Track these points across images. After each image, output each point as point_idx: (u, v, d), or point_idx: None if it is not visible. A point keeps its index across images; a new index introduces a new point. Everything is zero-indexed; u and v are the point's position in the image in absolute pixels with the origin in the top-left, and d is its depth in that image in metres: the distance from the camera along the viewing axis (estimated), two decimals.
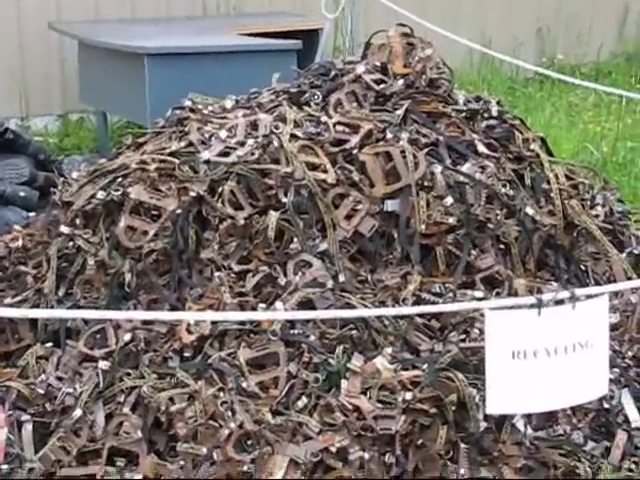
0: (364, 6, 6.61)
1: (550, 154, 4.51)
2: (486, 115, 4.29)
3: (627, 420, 3.65)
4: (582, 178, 4.61)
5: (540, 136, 4.57)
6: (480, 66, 8.53)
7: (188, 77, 5.21)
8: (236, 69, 5.20)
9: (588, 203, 4.48)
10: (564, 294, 3.02)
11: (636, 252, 4.37)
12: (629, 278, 4.12)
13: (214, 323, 3.45)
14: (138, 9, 8.39)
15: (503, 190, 3.94)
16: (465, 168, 3.93)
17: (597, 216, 4.51)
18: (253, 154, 3.74)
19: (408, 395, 3.31)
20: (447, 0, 9.22)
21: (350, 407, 3.27)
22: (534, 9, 9.87)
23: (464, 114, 4.23)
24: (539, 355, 3.05)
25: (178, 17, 8.37)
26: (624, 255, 4.27)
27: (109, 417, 3.36)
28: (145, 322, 3.53)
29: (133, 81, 6.37)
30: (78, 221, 3.91)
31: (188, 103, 4.33)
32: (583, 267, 4.03)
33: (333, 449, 3.19)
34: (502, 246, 3.94)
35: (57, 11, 8.10)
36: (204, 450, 3.14)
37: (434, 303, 3.59)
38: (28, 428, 3.39)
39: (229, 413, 3.21)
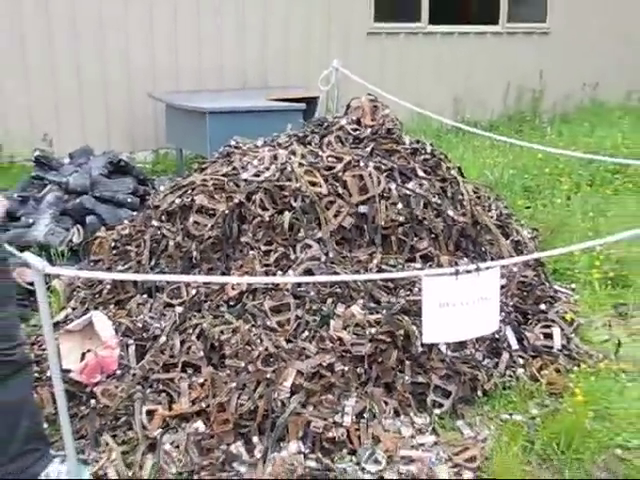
0: (345, 82, 6.44)
1: (463, 177, 4.41)
2: (423, 151, 4.26)
3: (509, 345, 3.71)
4: (483, 192, 4.46)
5: (457, 165, 4.52)
6: (418, 121, 8.36)
7: (233, 126, 5.10)
8: (264, 121, 5.13)
9: (486, 207, 4.34)
10: (472, 267, 2.90)
11: (515, 239, 4.30)
12: (511, 256, 4.01)
13: (249, 284, 3.37)
14: (204, 83, 8.21)
15: (434, 199, 3.93)
16: (410, 185, 3.97)
17: (492, 216, 4.39)
18: (274, 175, 3.78)
19: (373, 330, 3.32)
20: (398, 78, 9.02)
21: (336, 337, 3.29)
22: (452, 86, 9.68)
23: (409, 150, 4.19)
24: (456, 305, 2.97)
25: (228, 88, 8.19)
26: (508, 241, 4.14)
27: (182, 342, 3.36)
28: (205, 282, 3.50)
29: (199, 129, 6.26)
30: (163, 217, 3.91)
31: (233, 142, 4.31)
32: (483, 249, 4.00)
33: (324, 364, 3.19)
34: (433, 235, 3.91)
35: (153, 84, 7.92)
36: (242, 364, 3.14)
37: (389, 271, 3.60)
38: (132, 348, 3.42)
39: (258, 341, 3.23)
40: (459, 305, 2.96)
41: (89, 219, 5.08)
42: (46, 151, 6.25)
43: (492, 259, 4.00)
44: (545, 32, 10.54)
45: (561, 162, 6.83)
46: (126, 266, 3.78)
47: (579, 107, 10.70)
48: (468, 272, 2.92)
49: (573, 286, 4.53)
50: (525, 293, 3.95)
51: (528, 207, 5.86)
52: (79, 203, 5.14)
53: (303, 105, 6.40)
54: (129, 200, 5.43)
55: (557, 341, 3.69)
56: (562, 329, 3.77)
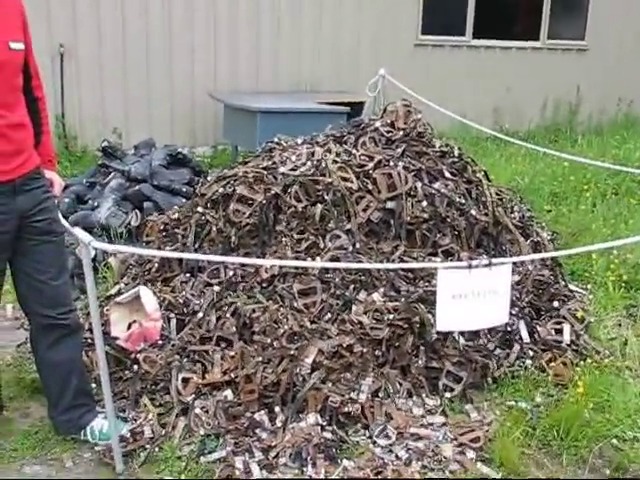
0: (392, 90, 6.44)
1: (489, 180, 4.35)
2: (451, 155, 4.20)
3: (521, 338, 3.69)
4: (505, 195, 4.39)
5: (483, 169, 4.43)
6: (459, 129, 8.28)
7: (281, 125, 5.12)
8: (310, 122, 5.10)
9: (509, 209, 4.27)
10: (485, 261, 2.89)
11: (535, 240, 4.23)
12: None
13: (281, 267, 3.44)
14: (260, 85, 8.29)
15: (457, 199, 3.88)
16: (436, 185, 3.93)
17: (514, 218, 4.33)
18: (310, 170, 3.78)
19: (391, 316, 3.33)
20: (442, 88, 8.93)
21: (356, 321, 3.32)
22: (493, 97, 9.57)
23: (438, 153, 4.14)
24: (469, 297, 2.93)
25: (283, 91, 8.25)
26: (528, 242, 4.09)
27: (218, 319, 3.43)
28: (242, 265, 3.57)
29: (250, 127, 6.35)
30: (208, 205, 3.95)
31: (275, 139, 4.29)
32: (503, 248, 3.96)
33: (344, 345, 3.22)
34: (456, 232, 3.86)
35: (214, 85, 8.01)
36: (268, 340, 3.19)
37: (411, 263, 3.47)
38: (173, 322, 3.51)
39: (285, 320, 3.28)
40: (471, 297, 2.93)
41: (146, 205, 5.19)
42: (114, 143, 6.41)
43: (511, 257, 3.98)
44: (583, 49, 10.33)
45: (589, 171, 6.70)
46: (173, 247, 3.85)
47: (613, 121, 10.46)
48: (481, 266, 2.92)
49: (588, 287, 4.46)
50: (540, 291, 3.89)
51: (549, 210, 5.78)
52: (138, 190, 5.26)
53: (346, 108, 6.41)
54: (184, 189, 5.52)
55: (566, 336, 3.64)
56: (572, 325, 3.72)
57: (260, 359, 3.04)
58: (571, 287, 4.28)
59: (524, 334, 3.58)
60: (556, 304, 3.84)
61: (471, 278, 2.92)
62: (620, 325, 4.02)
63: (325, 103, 7.00)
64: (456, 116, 6.48)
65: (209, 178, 4.17)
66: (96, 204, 5.19)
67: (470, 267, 2.89)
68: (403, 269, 3.41)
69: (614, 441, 2.99)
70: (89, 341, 3.31)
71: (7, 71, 2.51)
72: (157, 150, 6.14)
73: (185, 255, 3.46)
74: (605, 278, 4.49)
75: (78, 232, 2.46)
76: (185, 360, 3.22)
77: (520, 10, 10.14)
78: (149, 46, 7.74)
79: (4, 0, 2.54)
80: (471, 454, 2.92)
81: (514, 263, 3.95)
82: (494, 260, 2.96)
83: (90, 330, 3.47)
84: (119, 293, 3.77)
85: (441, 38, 9.45)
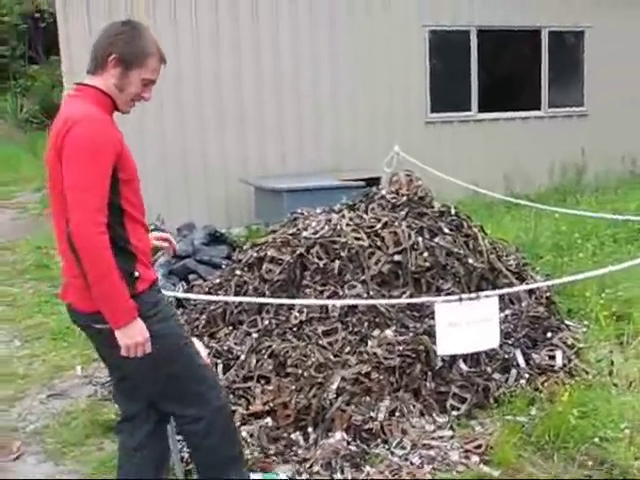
0: (406, 164, 7.07)
1: (485, 233, 4.86)
2: (449, 213, 4.72)
3: (518, 364, 4.08)
4: (500, 245, 4.92)
5: (479, 225, 4.95)
6: (473, 196, 8.84)
7: (305, 201, 5.70)
8: (330, 196, 5.65)
9: (504, 257, 4.77)
10: (473, 295, 3.42)
11: (529, 283, 4.69)
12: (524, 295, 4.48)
13: (308, 314, 3.96)
14: (286, 168, 9.07)
15: (455, 250, 4.32)
16: (436, 239, 4.37)
17: (511, 265, 4.79)
18: (328, 233, 4.33)
19: (401, 347, 3.82)
20: (453, 160, 9.61)
21: (371, 352, 3.79)
22: (502, 165, 10.21)
23: (437, 213, 4.66)
24: (462, 325, 3.49)
25: (306, 172, 8.98)
26: (523, 284, 4.57)
27: (257, 360, 3.97)
28: (275, 315, 4.10)
29: (278, 205, 7.03)
30: (244, 268, 4.51)
31: (299, 211, 4.87)
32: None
33: (363, 372, 3.74)
34: (457, 279, 4.38)
35: (244, 172, 8.83)
36: (299, 371, 3.72)
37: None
38: (220, 366, 4.05)
39: (312, 354, 3.78)
40: (465, 325, 3.52)
41: (191, 277, 5.90)
42: (159, 226, 7.19)
43: (509, 298, 4.54)
44: (584, 114, 11.04)
45: (589, 224, 7.27)
46: (217, 307, 4.49)
47: (620, 179, 11.01)
48: (470, 299, 3.51)
49: (585, 322, 4.98)
50: (536, 325, 4.42)
51: (541, 257, 6.35)
52: (183, 265, 5.98)
53: (361, 183, 7.10)
54: (224, 262, 6.21)
55: (559, 360, 4.16)
56: (564, 352, 4.24)
57: (293, 387, 3.63)
58: (567, 322, 4.81)
59: (520, 360, 4.10)
60: (549, 335, 4.38)
61: (463, 309, 3.50)
62: (611, 352, 4.53)
63: (345, 180, 7.71)
64: (468, 185, 7.11)
65: (244, 247, 4.82)
66: None
67: (461, 300, 3.50)
68: (410, 310, 4.00)
69: (596, 440, 3.49)
70: None
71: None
72: (198, 230, 6.90)
73: (245, 299, 4.07)
74: (598, 313, 5.01)
75: None
76: (231, 396, 3.81)
77: (520, 83, 10.91)
78: (184, 137, 8.62)
79: None
80: (475, 458, 3.43)
81: (510, 301, 4.54)
82: (481, 293, 3.57)
83: None
84: None
85: (449, 115, 10.23)
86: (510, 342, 4.11)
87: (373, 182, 7.64)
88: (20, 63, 23.71)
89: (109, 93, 2.49)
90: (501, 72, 10.77)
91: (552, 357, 4.22)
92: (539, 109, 10.77)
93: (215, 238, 6.80)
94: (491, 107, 10.40)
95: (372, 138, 9.50)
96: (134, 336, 2.40)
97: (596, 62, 10.88)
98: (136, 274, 2.47)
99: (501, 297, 4.40)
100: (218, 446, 2.75)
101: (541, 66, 10.72)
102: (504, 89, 10.58)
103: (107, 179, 2.35)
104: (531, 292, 4.78)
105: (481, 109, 10.38)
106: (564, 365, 4.16)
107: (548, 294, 4.74)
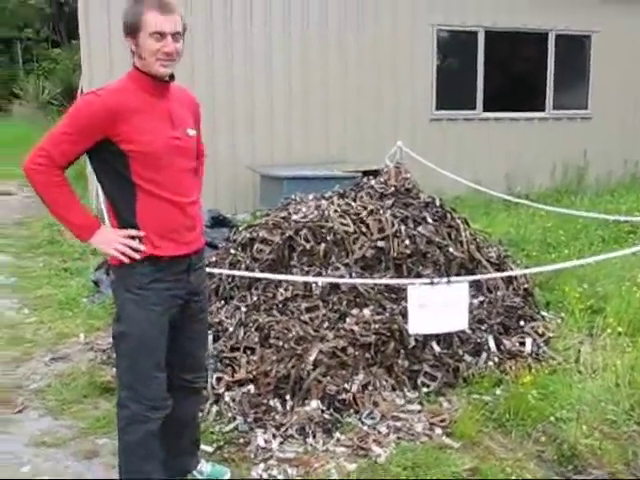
0: (410, 160, 7.31)
1: (468, 225, 5.05)
2: (434, 204, 4.93)
3: (489, 348, 4.28)
4: (480, 238, 5.10)
5: (464, 216, 5.15)
6: (474, 194, 9.04)
7: (304, 189, 5.92)
8: (327, 185, 5.86)
9: (485, 249, 4.96)
10: (444, 279, 3.64)
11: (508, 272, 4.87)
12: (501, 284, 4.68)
13: (292, 291, 4.21)
14: (292, 157, 9.32)
15: (437, 239, 4.54)
16: (419, 228, 4.59)
17: (492, 256, 4.98)
18: (316, 217, 4.54)
19: (377, 326, 4.04)
20: (457, 157, 9.82)
21: (349, 329, 4.01)
22: (504, 164, 10.41)
23: (422, 204, 4.88)
24: (432, 307, 3.73)
25: (311, 162, 9.22)
26: (501, 274, 4.76)
27: (245, 333, 4.22)
28: (263, 291, 4.31)
29: (279, 191, 7.23)
30: (238, 248, 4.75)
31: (292, 197, 5.11)
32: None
33: (339, 347, 3.96)
34: (437, 266, 4.58)
35: (251, 159, 9.07)
36: (280, 343, 3.96)
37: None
38: (210, 337, 4.20)
39: (293, 328, 3.99)
40: (435, 307, 3.76)
41: None
42: None
43: (487, 287, 4.75)
44: (587, 117, 11.19)
45: (579, 223, 7.47)
46: (211, 282, 4.74)
47: (620, 182, 11.18)
48: (442, 283, 3.75)
49: (562, 315, 5.19)
50: (511, 314, 4.65)
51: (527, 254, 6.56)
52: None
53: (358, 174, 7.34)
54: (223, 244, 6.48)
55: (528, 347, 4.38)
56: (534, 339, 4.47)
57: (275, 358, 3.89)
58: (543, 313, 5.03)
59: (492, 345, 4.32)
60: (522, 323, 4.60)
61: (434, 293, 3.74)
62: (581, 342, 4.74)
63: (350, 171, 7.95)
64: (469, 183, 7.31)
65: (240, 228, 5.08)
66: None
67: (432, 283, 3.74)
68: (388, 292, 4.24)
69: (552, 419, 3.72)
70: None
71: (189, 154, 2.82)
72: (203, 214, 7.17)
73: (240, 273, 4.33)
74: (574, 306, 5.22)
75: None
76: (219, 364, 4.08)
77: (525, 84, 11.10)
78: None
79: (183, 97, 2.87)
80: (438, 430, 3.67)
81: (488, 290, 4.76)
82: (452, 279, 3.80)
83: None
84: None
85: (454, 112, 10.44)
86: (483, 328, 4.34)
87: (372, 174, 7.87)
88: (44, 46, 24.08)
89: (137, 65, 2.62)
90: (507, 73, 10.96)
91: (522, 343, 4.44)
92: (543, 110, 10.95)
93: (219, 221, 7.08)
94: (496, 107, 10.59)
95: (378, 133, 9.73)
96: (108, 242, 2.58)
97: (602, 66, 11.04)
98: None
99: (478, 285, 4.67)
100: (121, 453, 2.82)
101: (547, 68, 10.90)
102: (510, 89, 10.77)
103: (78, 141, 2.50)
104: (510, 283, 5.00)
105: (486, 108, 10.57)
106: (533, 352, 4.39)
107: (526, 286, 4.96)
